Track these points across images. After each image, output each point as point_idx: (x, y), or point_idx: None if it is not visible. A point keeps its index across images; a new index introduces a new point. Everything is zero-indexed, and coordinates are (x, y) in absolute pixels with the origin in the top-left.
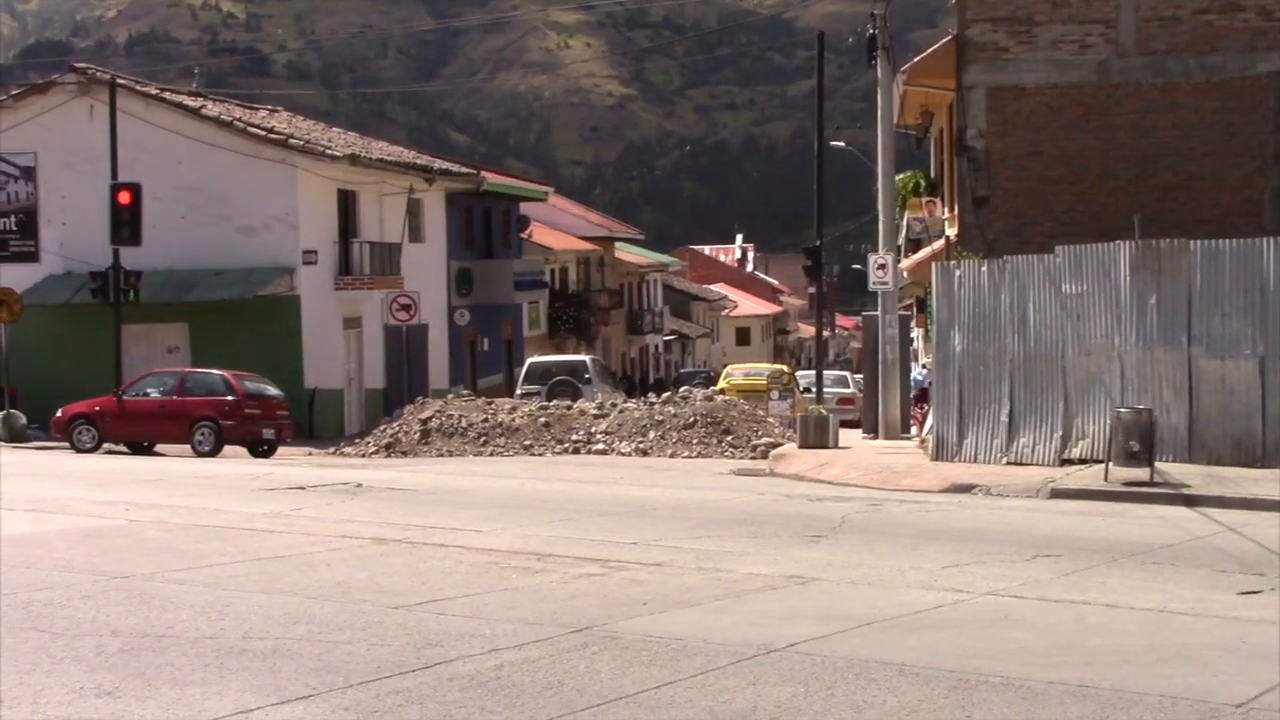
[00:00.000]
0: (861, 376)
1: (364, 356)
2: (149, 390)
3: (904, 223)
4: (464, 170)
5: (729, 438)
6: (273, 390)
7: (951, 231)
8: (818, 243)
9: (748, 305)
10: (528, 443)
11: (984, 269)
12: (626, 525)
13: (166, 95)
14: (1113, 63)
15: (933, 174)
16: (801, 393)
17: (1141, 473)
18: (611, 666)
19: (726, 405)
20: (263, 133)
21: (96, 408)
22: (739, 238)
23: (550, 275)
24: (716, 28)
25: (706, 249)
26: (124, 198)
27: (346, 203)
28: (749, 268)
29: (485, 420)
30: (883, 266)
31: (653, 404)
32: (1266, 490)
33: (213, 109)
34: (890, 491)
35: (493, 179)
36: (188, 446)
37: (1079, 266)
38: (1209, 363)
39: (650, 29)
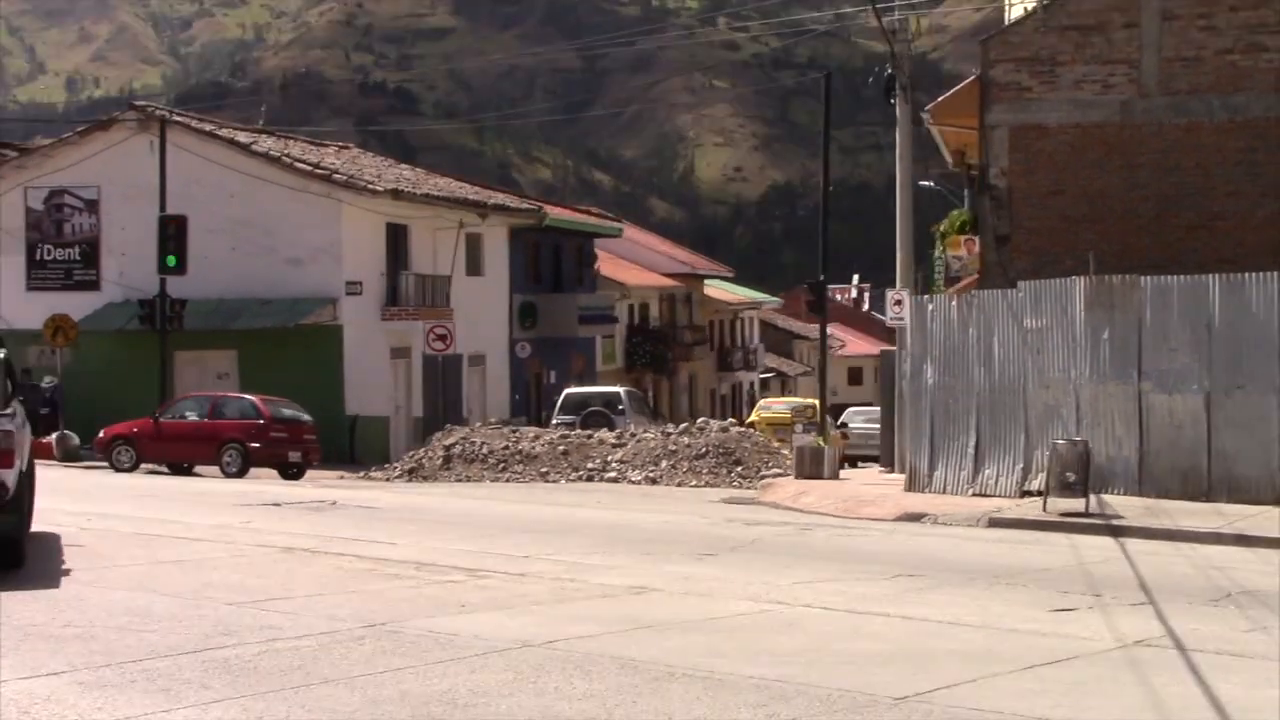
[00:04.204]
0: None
1: (412, 385)
2: (186, 413)
3: (944, 259)
4: (523, 205)
5: (739, 468)
6: (302, 415)
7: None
8: (821, 278)
9: (860, 345)
10: (544, 470)
11: (953, 303)
12: (539, 541)
13: (220, 132)
14: (1135, 103)
15: (968, 212)
16: (837, 427)
17: (1077, 503)
18: (366, 654)
19: (740, 436)
20: (309, 168)
21: (135, 429)
22: (855, 277)
23: (628, 310)
24: (860, 67)
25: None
26: (170, 245)
27: (396, 236)
28: (865, 307)
29: (505, 447)
30: (899, 302)
31: (669, 434)
32: (1195, 522)
33: (264, 145)
34: (846, 519)
35: (558, 214)
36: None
37: (1038, 301)
38: (1158, 397)
39: (796, 69)
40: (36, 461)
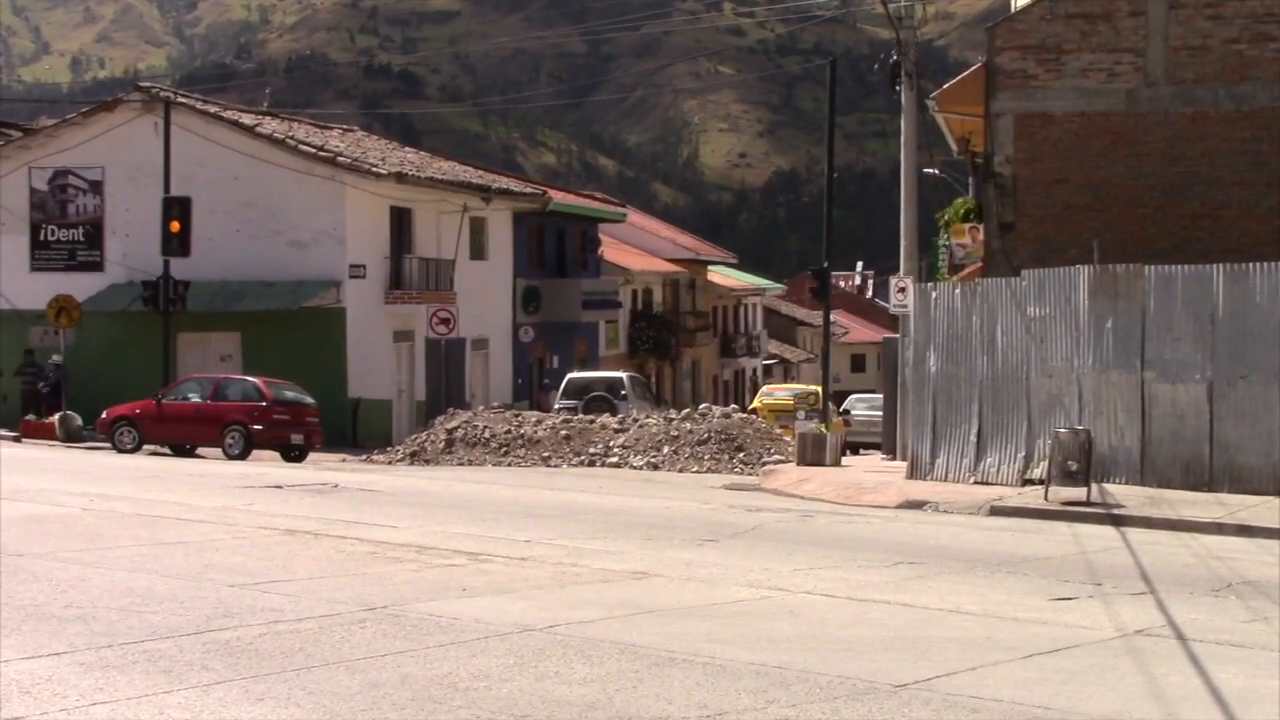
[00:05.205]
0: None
1: (415, 369)
2: (189, 395)
3: (949, 247)
4: (527, 190)
5: (741, 454)
6: (304, 397)
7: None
8: (825, 264)
9: (863, 332)
10: (546, 454)
11: (957, 291)
12: (538, 526)
13: (224, 114)
14: (1141, 91)
15: (973, 200)
16: (839, 414)
17: (1079, 492)
18: (366, 637)
19: (742, 423)
20: (313, 150)
21: (137, 410)
22: (859, 265)
23: (631, 296)
24: (865, 54)
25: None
26: (174, 226)
27: (400, 219)
28: (869, 294)
29: (508, 431)
30: (903, 290)
31: (671, 420)
32: (1197, 512)
33: (268, 127)
34: (847, 506)
35: (562, 199)
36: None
37: (1042, 290)
38: (1160, 387)
39: (801, 55)
40: (39, 442)
